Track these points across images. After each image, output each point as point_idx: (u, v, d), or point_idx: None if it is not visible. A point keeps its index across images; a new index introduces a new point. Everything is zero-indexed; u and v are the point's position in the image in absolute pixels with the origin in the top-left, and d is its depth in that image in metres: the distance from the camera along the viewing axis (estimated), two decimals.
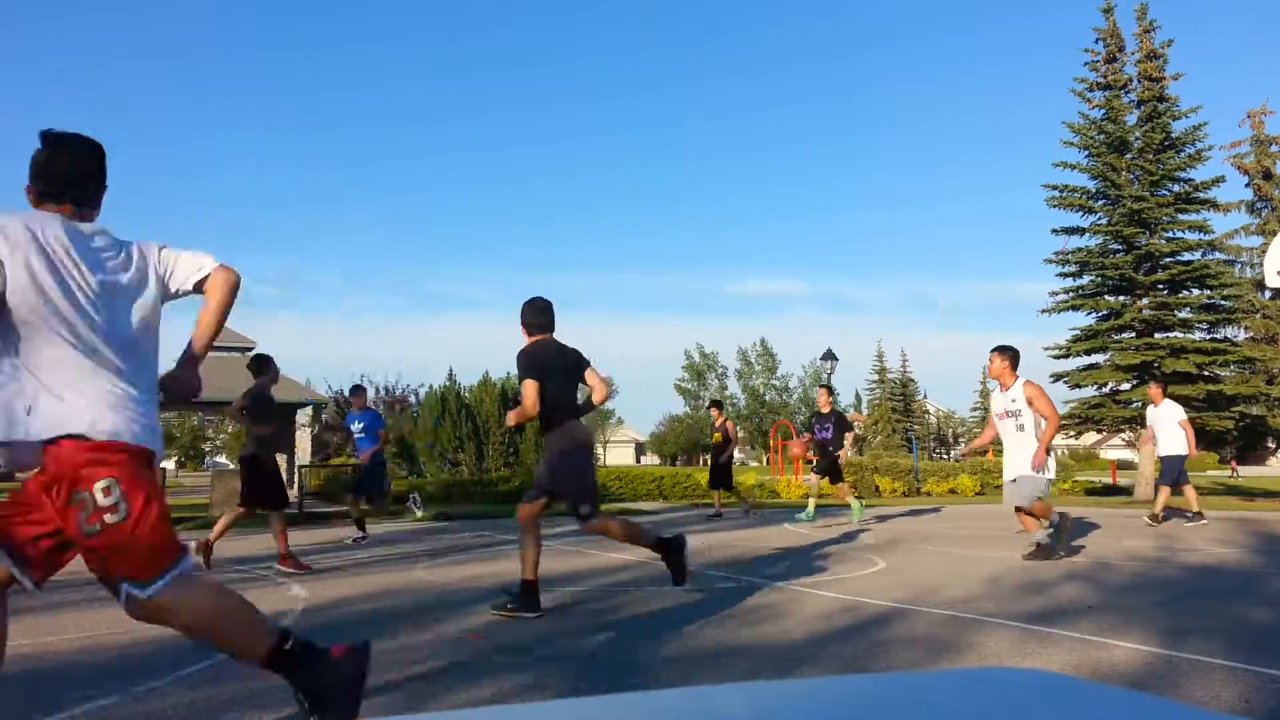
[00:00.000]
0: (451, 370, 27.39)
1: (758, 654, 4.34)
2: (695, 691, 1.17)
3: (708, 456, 14.83)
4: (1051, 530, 7.91)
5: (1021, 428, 7.94)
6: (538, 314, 5.76)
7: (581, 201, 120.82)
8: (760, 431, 67.18)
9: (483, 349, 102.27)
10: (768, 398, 74.40)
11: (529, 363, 5.56)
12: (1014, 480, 8.03)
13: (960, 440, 72.19)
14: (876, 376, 78.26)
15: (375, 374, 77.90)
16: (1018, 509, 8.11)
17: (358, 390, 11.76)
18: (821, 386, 13.50)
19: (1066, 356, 24.52)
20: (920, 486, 21.75)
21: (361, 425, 11.52)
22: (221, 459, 69.77)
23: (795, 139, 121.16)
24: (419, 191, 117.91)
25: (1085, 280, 24.36)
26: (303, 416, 34.84)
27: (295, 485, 19.18)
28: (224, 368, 35.17)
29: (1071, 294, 24.39)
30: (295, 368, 54.21)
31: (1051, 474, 7.95)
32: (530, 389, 5.47)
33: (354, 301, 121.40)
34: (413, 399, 31.58)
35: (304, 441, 34.64)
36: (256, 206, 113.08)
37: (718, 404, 15.34)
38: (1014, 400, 7.96)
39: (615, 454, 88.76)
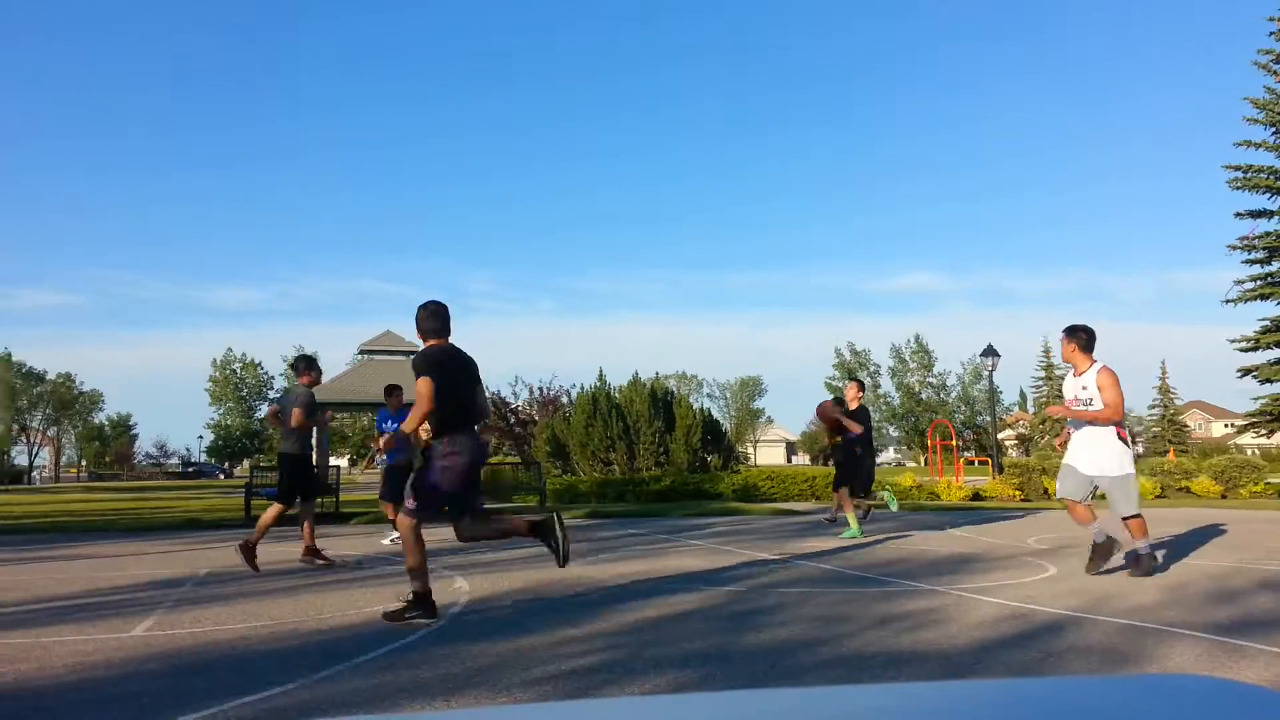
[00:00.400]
0: (601, 371, 27.76)
1: (920, 660, 4.22)
2: (853, 690, 1.14)
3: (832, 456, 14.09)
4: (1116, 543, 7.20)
5: (1090, 407, 7.10)
6: (431, 319, 5.73)
7: (732, 199, 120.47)
8: (917, 431, 65.15)
9: (635, 350, 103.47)
10: (924, 396, 72.13)
11: (423, 361, 5.55)
12: (1095, 476, 7.11)
13: (1138, 441, 67.73)
14: (1043, 373, 74.53)
15: (530, 375, 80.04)
16: (1125, 518, 7.10)
17: (393, 390, 11.65)
18: (851, 380, 11.75)
19: (1255, 349, 22.72)
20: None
21: (396, 426, 11.19)
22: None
23: (946, 126, 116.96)
24: (572, 195, 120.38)
25: (1276, 267, 22.50)
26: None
27: None
28: (396, 371, 37.04)
29: (1260, 281, 22.58)
30: None
31: (1130, 469, 7.05)
32: (425, 384, 5.41)
33: (513, 306, 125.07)
34: (565, 399, 32.29)
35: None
36: (426, 212, 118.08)
37: (839, 401, 14.75)
38: (1085, 387, 7.12)
39: (766, 454, 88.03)
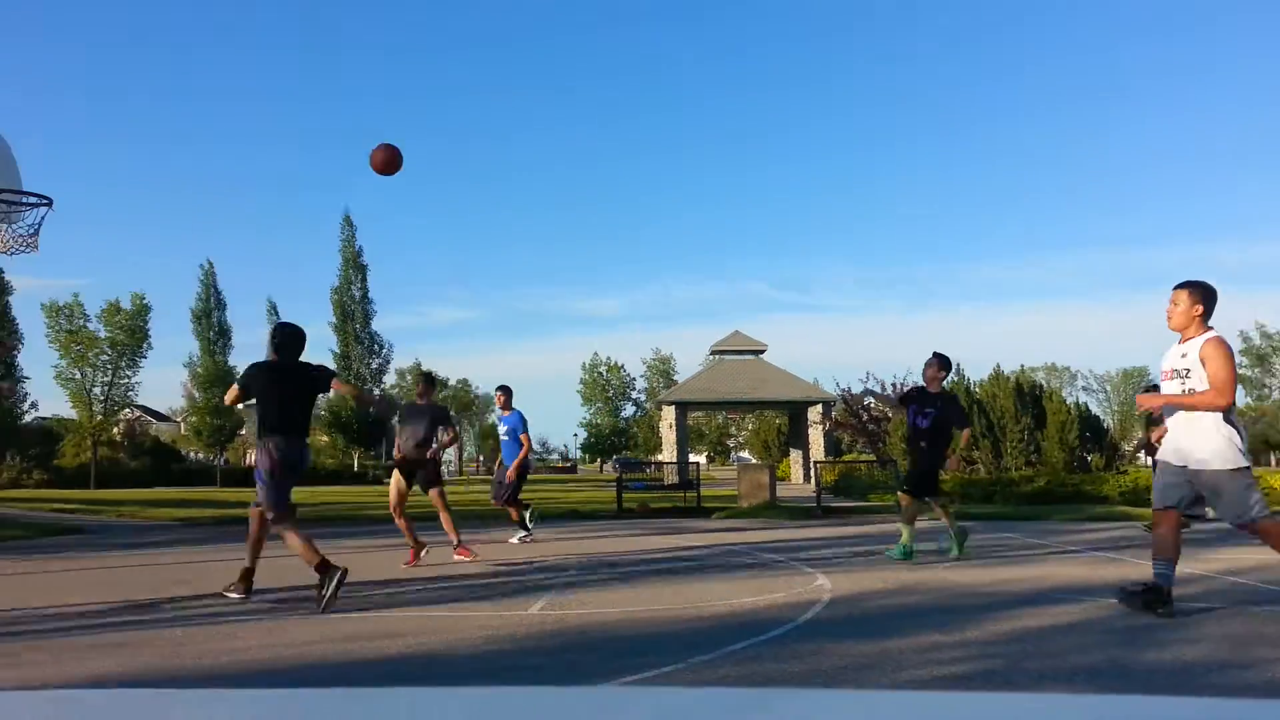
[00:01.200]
0: (959, 365, 26.27)
1: None
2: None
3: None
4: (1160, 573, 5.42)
5: (1191, 392, 5.35)
6: (271, 339, 6.71)
7: (1091, 173, 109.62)
8: None
9: (994, 342, 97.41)
10: None
11: (241, 375, 6.67)
12: (1185, 467, 5.36)
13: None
14: None
15: (881, 371, 78.37)
16: (1246, 524, 5.27)
17: (502, 390, 10.78)
18: (934, 355, 8.79)
19: None
20: None
21: (506, 429, 10.63)
22: (745, 454, 75.12)
23: None
24: (916, 180, 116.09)
25: None
26: (813, 414, 36.27)
27: (812, 481, 19.92)
28: (741, 370, 38.04)
29: None
30: (804, 368, 56.38)
31: (1244, 459, 5.22)
32: (230, 393, 6.69)
33: (858, 301, 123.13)
34: None
35: (816, 438, 36.01)
36: (764, 208, 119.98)
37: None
38: (1184, 355, 5.39)
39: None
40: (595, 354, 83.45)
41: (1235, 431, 5.26)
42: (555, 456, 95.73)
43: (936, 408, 8.47)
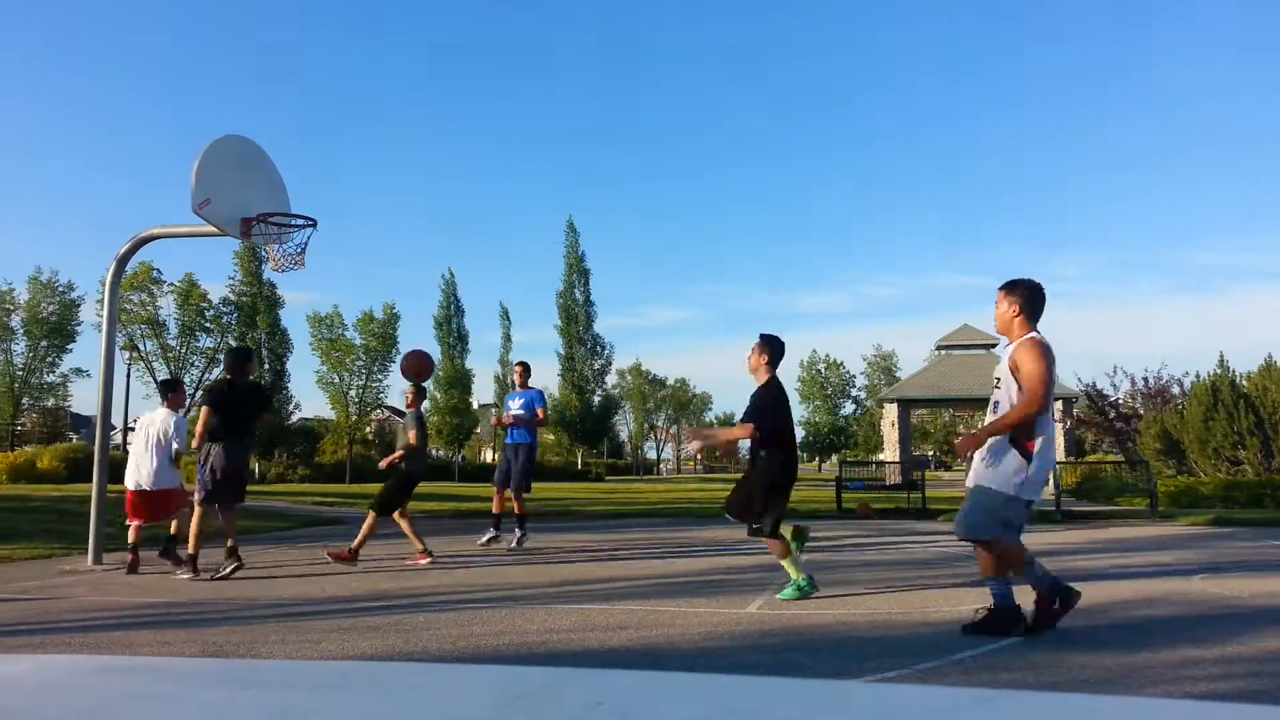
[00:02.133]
0: (1222, 356, 23.61)
1: None
2: None
3: None
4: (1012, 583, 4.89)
5: (995, 408, 4.89)
6: (227, 360, 7.94)
7: None
8: None
9: (1267, 329, 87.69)
10: None
11: (206, 393, 7.78)
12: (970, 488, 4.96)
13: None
14: None
15: (1131, 364, 72.36)
16: (975, 543, 4.93)
17: (521, 365, 10.03)
18: (761, 338, 6.37)
19: None
20: None
21: (520, 402, 9.65)
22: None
23: None
24: (1174, 153, 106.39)
25: None
26: (1054, 413, 34.07)
27: (1051, 483, 18.74)
28: (970, 365, 36.30)
29: None
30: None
31: (1032, 490, 4.74)
32: (204, 411, 7.56)
33: (1108, 289, 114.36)
34: (1176, 389, 28.58)
35: (1057, 438, 33.83)
36: (995, 192, 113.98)
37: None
38: (999, 363, 5.02)
39: None
40: (813, 351, 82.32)
41: (1028, 460, 4.69)
42: None
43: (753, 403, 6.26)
